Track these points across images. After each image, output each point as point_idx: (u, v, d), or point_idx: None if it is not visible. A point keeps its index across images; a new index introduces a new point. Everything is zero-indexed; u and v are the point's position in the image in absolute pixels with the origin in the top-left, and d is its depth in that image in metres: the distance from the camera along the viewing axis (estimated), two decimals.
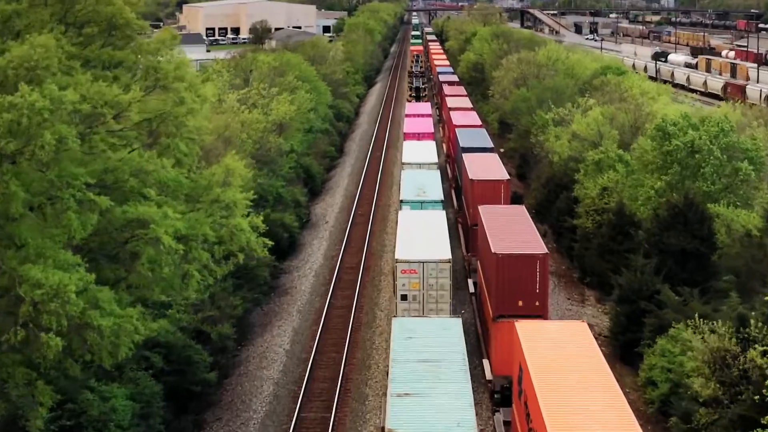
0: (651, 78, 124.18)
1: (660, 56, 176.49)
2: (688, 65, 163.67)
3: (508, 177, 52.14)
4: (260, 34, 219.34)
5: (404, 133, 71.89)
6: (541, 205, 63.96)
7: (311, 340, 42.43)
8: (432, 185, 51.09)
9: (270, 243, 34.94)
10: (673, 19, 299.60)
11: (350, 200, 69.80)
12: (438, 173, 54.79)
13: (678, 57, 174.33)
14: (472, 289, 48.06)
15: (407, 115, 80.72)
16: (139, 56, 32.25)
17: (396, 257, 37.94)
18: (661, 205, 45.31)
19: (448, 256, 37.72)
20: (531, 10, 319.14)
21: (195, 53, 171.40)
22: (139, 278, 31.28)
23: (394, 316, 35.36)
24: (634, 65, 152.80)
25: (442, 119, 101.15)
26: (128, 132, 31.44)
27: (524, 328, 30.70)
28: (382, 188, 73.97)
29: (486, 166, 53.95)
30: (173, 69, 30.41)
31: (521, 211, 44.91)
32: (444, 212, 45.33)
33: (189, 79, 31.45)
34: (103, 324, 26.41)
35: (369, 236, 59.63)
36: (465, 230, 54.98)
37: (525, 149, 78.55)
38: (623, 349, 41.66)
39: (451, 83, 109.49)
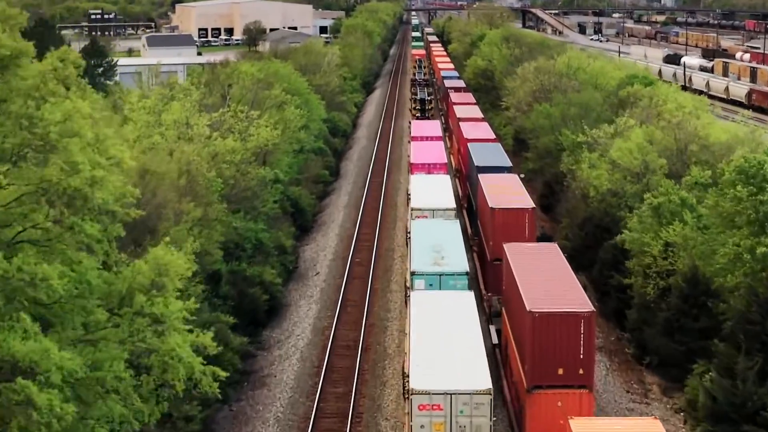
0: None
1: (672, 59, 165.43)
2: (703, 69, 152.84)
3: (533, 205, 46.45)
4: (254, 35, 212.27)
5: (410, 164, 59.94)
6: (577, 250, 52.64)
7: None
8: (452, 245, 38.99)
9: (224, 374, 23.87)
10: (679, 19, 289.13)
11: (347, 243, 57.91)
12: (458, 225, 43.01)
13: (692, 60, 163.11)
14: (495, 340, 39.72)
15: (413, 138, 68.79)
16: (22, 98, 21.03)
17: (411, 386, 26.12)
18: (759, 278, 34.17)
19: (488, 384, 25.90)
20: (533, 10, 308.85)
21: (184, 56, 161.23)
22: None
23: None
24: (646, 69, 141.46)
25: (448, 128, 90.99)
26: None
27: (581, 427, 24.97)
28: (384, 225, 62.00)
29: (507, 191, 48.36)
30: (59, 119, 19.18)
31: (555, 252, 38.31)
32: (472, 293, 33.78)
33: (91, 133, 20.25)
34: None
35: (369, 297, 47.98)
36: (482, 261, 48.68)
37: (550, 175, 67.39)
38: None
39: (457, 89, 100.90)
